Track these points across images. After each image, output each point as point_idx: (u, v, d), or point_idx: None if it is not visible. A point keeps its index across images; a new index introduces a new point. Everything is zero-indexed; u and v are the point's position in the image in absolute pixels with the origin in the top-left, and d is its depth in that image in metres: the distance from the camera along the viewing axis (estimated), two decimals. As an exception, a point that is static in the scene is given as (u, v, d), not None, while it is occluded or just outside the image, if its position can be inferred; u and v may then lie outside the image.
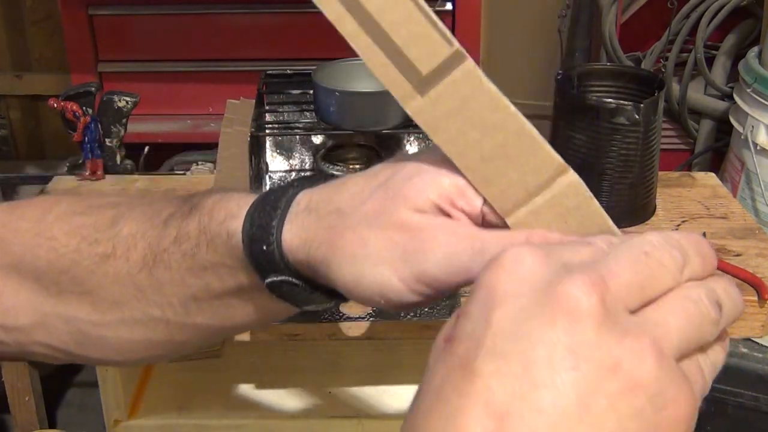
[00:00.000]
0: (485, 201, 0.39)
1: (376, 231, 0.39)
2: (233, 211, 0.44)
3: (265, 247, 0.42)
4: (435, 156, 0.40)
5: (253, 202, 0.44)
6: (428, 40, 0.37)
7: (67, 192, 0.97)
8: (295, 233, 0.42)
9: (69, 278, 0.49)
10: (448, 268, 0.38)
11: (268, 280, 0.43)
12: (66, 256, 0.49)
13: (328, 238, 0.40)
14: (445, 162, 0.39)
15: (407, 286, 0.39)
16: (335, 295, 0.43)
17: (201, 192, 0.47)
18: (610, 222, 0.39)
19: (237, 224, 0.43)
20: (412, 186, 0.39)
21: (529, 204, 0.38)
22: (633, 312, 0.31)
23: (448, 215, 0.39)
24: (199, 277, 0.46)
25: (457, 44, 0.37)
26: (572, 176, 0.38)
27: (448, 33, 0.37)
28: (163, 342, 0.50)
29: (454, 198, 0.39)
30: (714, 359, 0.34)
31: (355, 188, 0.41)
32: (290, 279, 0.42)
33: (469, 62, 0.37)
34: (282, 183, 0.99)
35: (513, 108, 0.38)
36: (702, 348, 0.33)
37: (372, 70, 0.38)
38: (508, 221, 0.39)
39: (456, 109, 0.38)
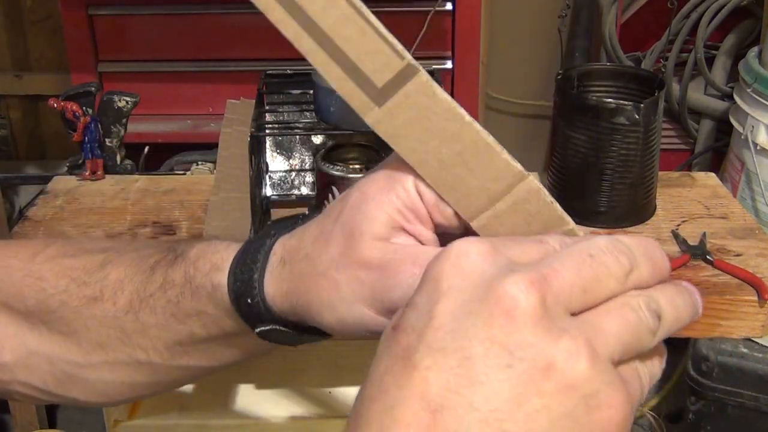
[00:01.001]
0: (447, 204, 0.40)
1: (344, 273, 0.40)
2: (217, 264, 0.45)
3: (250, 301, 0.43)
4: (375, 178, 0.41)
5: (235, 256, 0.45)
6: (381, 55, 0.39)
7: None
8: (276, 287, 0.43)
9: (57, 318, 0.49)
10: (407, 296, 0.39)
11: (258, 329, 0.44)
12: (54, 297, 0.50)
13: (304, 287, 0.41)
14: (382, 181, 0.41)
15: (383, 316, 0.40)
16: (325, 333, 0.45)
17: (186, 241, 0.49)
18: (573, 224, 0.40)
19: (221, 277, 0.44)
20: (363, 217, 0.40)
21: (492, 209, 0.40)
22: (573, 314, 0.32)
23: (404, 230, 0.40)
24: (184, 323, 0.46)
25: (408, 58, 0.39)
26: (532, 183, 0.39)
27: (400, 47, 0.39)
28: (147, 383, 0.50)
29: (402, 210, 0.40)
30: (651, 370, 0.34)
31: (315, 231, 0.42)
32: (278, 327, 0.44)
33: (422, 74, 0.39)
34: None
35: (468, 118, 0.39)
36: (641, 356, 0.33)
37: (331, 84, 0.40)
38: (473, 225, 0.40)
39: (413, 119, 0.39)
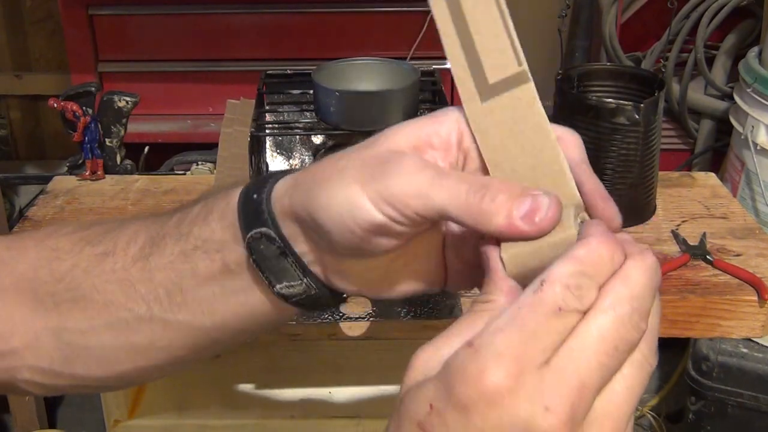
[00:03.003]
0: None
1: (353, 160, 0.42)
2: (238, 186, 0.47)
3: (255, 196, 0.44)
4: (417, 117, 0.44)
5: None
6: (503, 55, 0.41)
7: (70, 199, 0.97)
8: (286, 182, 0.45)
9: (65, 285, 0.50)
10: (408, 189, 0.40)
11: (250, 233, 0.44)
12: (66, 262, 0.50)
13: (312, 175, 0.43)
14: (424, 118, 0.43)
15: (373, 204, 0.40)
16: (306, 273, 0.45)
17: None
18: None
19: (238, 190, 0.46)
20: (391, 132, 0.43)
21: None
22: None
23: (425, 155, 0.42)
24: (188, 260, 0.47)
25: (525, 65, 0.41)
26: (585, 217, 0.41)
27: (522, 54, 0.41)
28: (144, 347, 0.50)
29: (431, 138, 0.42)
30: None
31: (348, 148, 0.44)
32: (269, 231, 0.44)
33: (531, 84, 0.41)
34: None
35: (554, 137, 0.41)
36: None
37: (451, 65, 0.42)
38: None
39: (507, 121, 0.41)
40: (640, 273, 0.36)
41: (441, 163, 0.42)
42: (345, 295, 0.48)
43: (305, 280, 0.45)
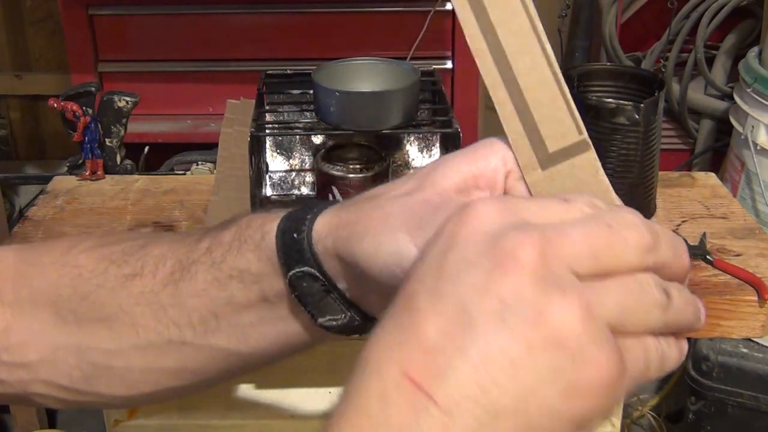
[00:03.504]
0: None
1: (399, 207, 0.41)
2: (272, 217, 0.46)
3: (296, 235, 0.44)
4: (460, 151, 0.43)
5: (293, 208, 0.46)
6: (562, 124, 0.41)
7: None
8: (326, 221, 0.43)
9: (89, 303, 0.49)
10: None
11: (292, 272, 0.44)
12: (91, 281, 0.50)
13: (356, 217, 0.42)
14: (467, 153, 0.42)
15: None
16: (351, 306, 0.45)
17: (241, 213, 0.49)
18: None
19: (273, 224, 0.45)
20: (437, 174, 0.42)
21: None
22: (580, 277, 0.32)
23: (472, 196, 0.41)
24: (223, 288, 0.46)
25: (585, 134, 0.42)
26: None
27: (581, 122, 0.42)
28: (174, 371, 0.50)
29: (476, 179, 0.41)
30: (665, 349, 0.35)
31: (388, 185, 0.44)
32: (312, 270, 0.43)
33: (592, 152, 0.42)
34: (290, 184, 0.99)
35: (619, 202, 0.42)
36: (653, 333, 0.34)
37: (507, 134, 0.42)
38: None
39: (569, 189, 0.42)
40: (661, 227, 0.36)
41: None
42: None
43: (349, 314, 0.45)
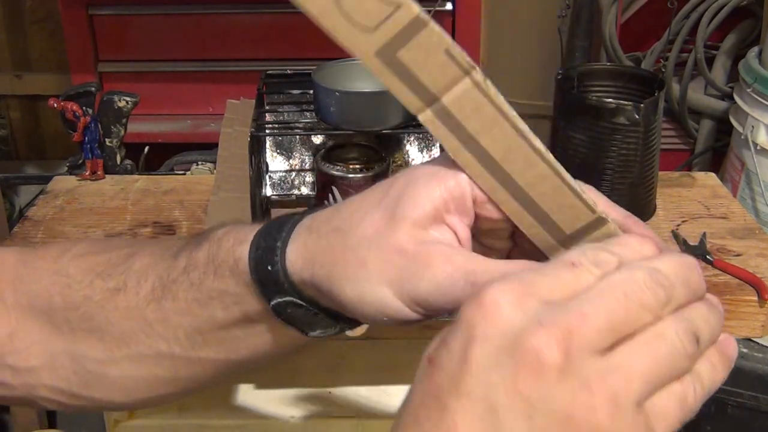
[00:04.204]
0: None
1: (375, 252, 0.40)
2: (240, 238, 0.45)
3: (270, 268, 0.43)
4: (427, 169, 0.42)
5: (259, 229, 0.45)
6: (573, 209, 0.41)
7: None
8: (299, 253, 0.43)
9: (80, 315, 0.50)
10: (442, 296, 0.39)
11: (273, 302, 0.44)
12: (79, 293, 0.50)
13: (330, 258, 0.41)
14: (435, 173, 0.41)
15: (406, 306, 0.40)
16: (339, 318, 0.45)
17: (213, 226, 0.49)
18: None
19: (244, 249, 0.44)
20: (407, 203, 0.40)
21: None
22: (604, 350, 0.32)
23: (444, 222, 0.41)
24: (205, 307, 0.46)
25: (599, 211, 0.41)
26: None
27: (591, 201, 0.41)
28: (168, 379, 0.50)
29: (447, 202, 0.40)
30: (704, 381, 0.35)
31: (353, 207, 0.42)
32: (294, 300, 0.43)
33: (610, 225, 0.41)
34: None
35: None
36: (679, 377, 0.34)
37: (520, 227, 0.42)
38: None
39: None
40: (669, 258, 0.35)
41: (462, 229, 0.41)
42: None
43: (339, 325, 0.45)
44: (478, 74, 0.38)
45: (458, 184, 0.40)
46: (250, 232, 0.45)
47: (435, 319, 0.42)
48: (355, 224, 0.41)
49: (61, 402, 0.52)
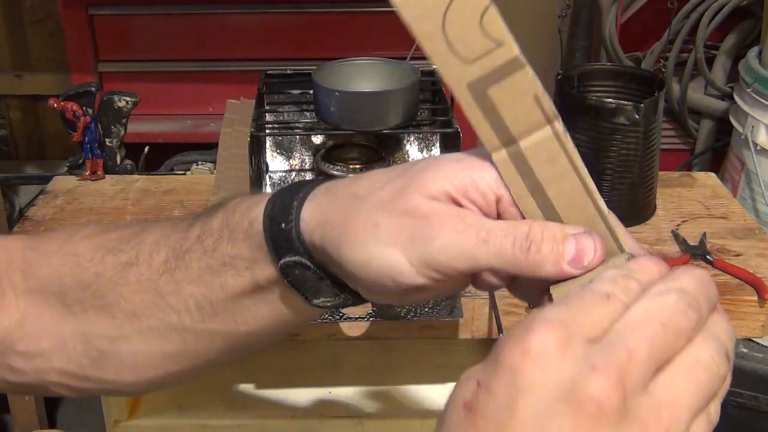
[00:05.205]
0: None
1: (388, 215, 0.40)
2: (257, 200, 0.46)
3: (284, 225, 0.43)
4: (453, 155, 0.41)
5: (277, 190, 0.45)
6: (610, 256, 0.40)
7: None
8: (313, 213, 0.43)
9: (91, 293, 0.50)
10: (453, 255, 0.39)
11: (283, 261, 0.44)
12: (90, 270, 0.50)
13: (342, 220, 0.41)
14: (461, 160, 0.41)
15: (415, 269, 0.39)
16: (345, 289, 0.45)
17: (227, 197, 0.49)
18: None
19: (259, 210, 0.45)
20: (427, 175, 0.40)
21: None
22: (648, 382, 0.33)
23: (460, 205, 0.40)
24: (217, 275, 0.47)
25: (628, 250, 0.40)
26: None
27: (621, 237, 0.40)
28: (178, 353, 0.50)
29: (468, 189, 0.40)
30: (720, 398, 0.36)
31: (374, 177, 0.43)
32: (303, 260, 0.43)
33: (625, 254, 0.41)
34: (289, 183, 0.99)
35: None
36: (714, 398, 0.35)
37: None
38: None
39: None
40: (688, 276, 0.36)
41: (479, 206, 0.41)
42: None
43: (343, 296, 0.45)
44: (559, 125, 0.39)
45: (483, 178, 0.40)
46: (266, 196, 0.46)
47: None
48: (372, 191, 0.41)
49: (71, 386, 0.53)
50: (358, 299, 0.46)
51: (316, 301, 0.45)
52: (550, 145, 0.39)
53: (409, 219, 0.39)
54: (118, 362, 0.51)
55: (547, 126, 0.39)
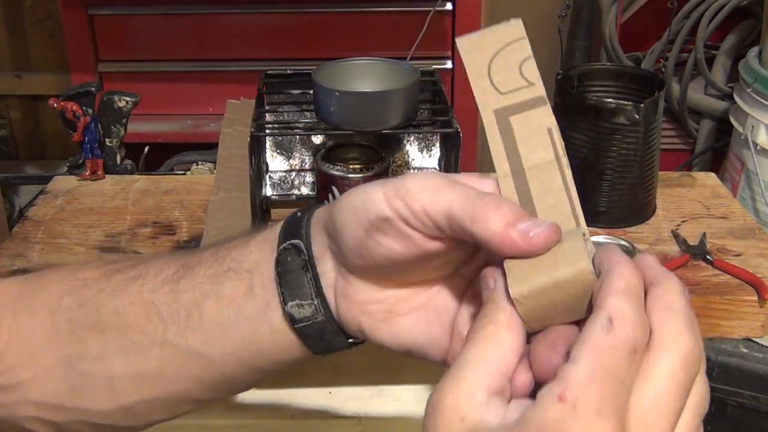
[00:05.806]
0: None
1: (379, 183, 0.43)
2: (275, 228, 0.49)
3: (299, 214, 0.48)
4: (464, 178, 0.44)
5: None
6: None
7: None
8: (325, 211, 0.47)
9: (86, 309, 0.51)
10: (420, 187, 0.41)
11: (282, 245, 0.47)
12: (93, 288, 0.52)
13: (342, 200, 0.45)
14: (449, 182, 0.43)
15: (385, 197, 0.42)
16: (319, 294, 0.47)
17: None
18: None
19: (279, 224, 0.49)
20: (413, 185, 0.43)
21: None
22: None
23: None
24: (218, 280, 0.49)
25: (581, 225, 0.43)
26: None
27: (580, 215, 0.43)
28: (152, 375, 0.51)
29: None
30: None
31: None
32: (299, 243, 0.46)
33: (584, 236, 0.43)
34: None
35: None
36: None
37: None
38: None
39: None
40: (677, 298, 0.37)
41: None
42: (348, 339, 0.48)
43: (316, 301, 0.46)
44: (564, 159, 0.43)
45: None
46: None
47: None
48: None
49: (46, 419, 0.53)
50: (327, 313, 0.47)
51: (290, 303, 0.46)
52: (551, 171, 0.43)
53: (399, 177, 0.43)
54: (93, 386, 0.51)
55: (554, 161, 0.43)
